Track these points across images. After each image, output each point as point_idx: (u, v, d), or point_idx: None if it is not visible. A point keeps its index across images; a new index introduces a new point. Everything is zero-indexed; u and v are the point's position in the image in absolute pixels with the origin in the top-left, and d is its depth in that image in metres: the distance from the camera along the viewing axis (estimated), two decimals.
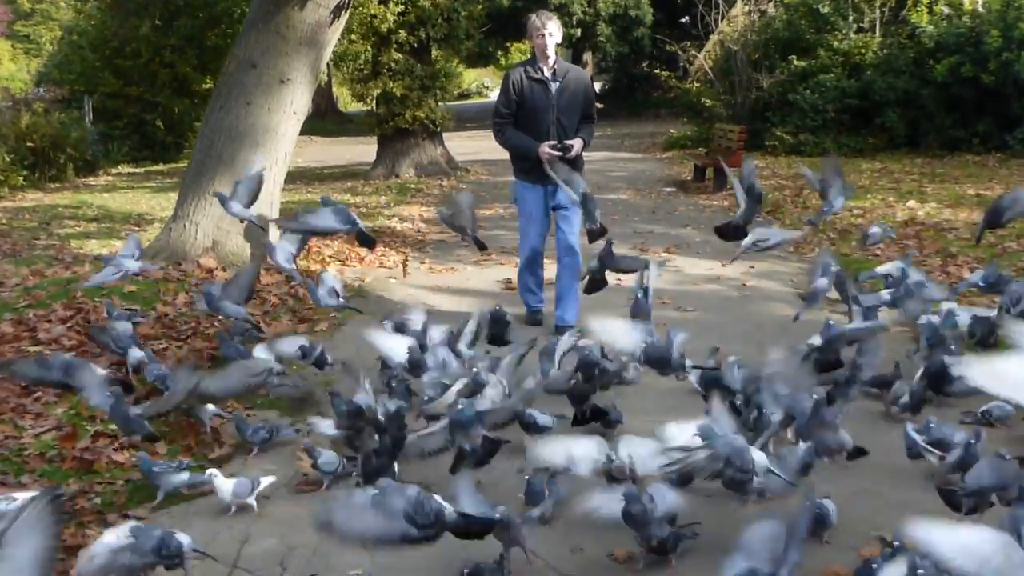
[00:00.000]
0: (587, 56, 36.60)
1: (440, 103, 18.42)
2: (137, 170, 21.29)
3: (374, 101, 17.63)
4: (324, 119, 35.77)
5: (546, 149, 6.29)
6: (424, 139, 18.19)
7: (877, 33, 19.47)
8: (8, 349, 5.92)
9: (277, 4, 8.03)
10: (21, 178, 16.79)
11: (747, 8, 23.33)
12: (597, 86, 34.54)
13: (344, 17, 8.45)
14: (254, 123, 8.08)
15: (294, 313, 7.25)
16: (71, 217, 13.04)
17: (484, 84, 58.77)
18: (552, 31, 6.51)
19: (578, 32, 31.39)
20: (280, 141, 8.24)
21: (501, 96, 6.69)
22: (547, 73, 6.53)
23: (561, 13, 30.13)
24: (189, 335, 6.46)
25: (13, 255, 9.83)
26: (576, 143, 6.43)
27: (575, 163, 6.35)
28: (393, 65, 17.13)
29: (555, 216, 6.76)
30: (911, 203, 11.48)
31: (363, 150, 22.23)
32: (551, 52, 6.51)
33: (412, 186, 16.37)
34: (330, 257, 9.24)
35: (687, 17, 26.35)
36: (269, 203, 8.27)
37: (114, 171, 20.91)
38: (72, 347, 6.00)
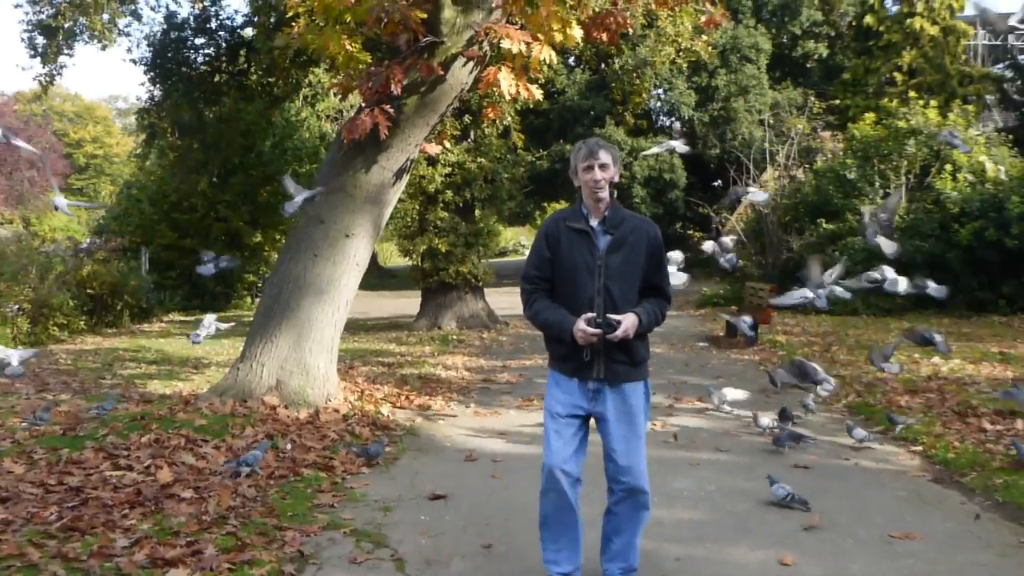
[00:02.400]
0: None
1: (482, 259, 19.22)
2: (188, 318, 22.09)
3: (419, 256, 18.45)
4: (366, 273, 36.77)
5: (581, 325, 4.43)
6: (466, 293, 18.93)
7: (903, 198, 20.22)
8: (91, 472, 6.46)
9: (346, 166, 8.85)
10: (81, 323, 17.60)
11: (777, 173, 24.30)
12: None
13: (405, 179, 9.27)
14: (320, 273, 8.78)
15: (351, 448, 7.73)
16: (131, 360, 13.72)
17: (520, 242, 60.18)
18: (606, 162, 4.59)
19: (615, 193, 32.45)
20: (343, 291, 8.94)
21: (532, 255, 4.78)
22: (594, 222, 4.61)
23: None
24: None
25: (83, 392, 10.43)
26: (627, 320, 4.45)
27: (627, 348, 4.55)
28: (439, 223, 18.08)
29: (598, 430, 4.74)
30: (935, 359, 11.92)
31: (405, 303, 23.05)
32: (603, 192, 4.59)
33: (454, 337, 17.00)
34: (382, 399, 9.76)
35: (719, 181, 27.33)
36: (330, 348, 8.92)
37: (166, 318, 21.76)
38: (146, 467, 6.55)
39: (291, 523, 5.74)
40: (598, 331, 4.44)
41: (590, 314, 4.49)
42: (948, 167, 19.59)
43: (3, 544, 5.05)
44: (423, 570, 5.00)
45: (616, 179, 4.72)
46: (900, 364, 11.26)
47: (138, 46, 23.84)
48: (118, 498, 5.92)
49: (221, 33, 19.72)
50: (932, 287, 7.98)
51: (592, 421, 4.73)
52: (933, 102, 22.14)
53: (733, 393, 9.29)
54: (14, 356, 7.27)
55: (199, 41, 19.91)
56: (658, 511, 6.06)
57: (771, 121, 28.44)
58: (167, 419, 7.83)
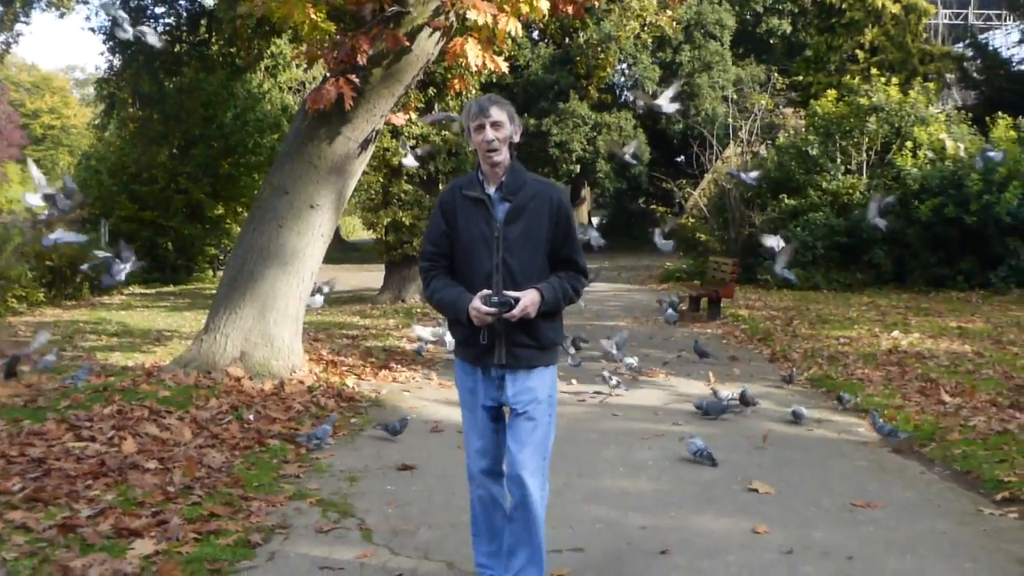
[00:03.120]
0: (585, 191, 37.77)
1: None
2: (148, 291, 21.92)
3: (383, 229, 18.39)
4: (329, 246, 36.60)
5: (476, 303, 3.90)
6: None
7: (864, 175, 20.40)
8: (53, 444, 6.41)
9: (311, 137, 8.78)
10: (40, 295, 17.37)
11: (740, 149, 24.44)
12: (595, 220, 35.57)
13: (370, 149, 9.21)
14: (284, 244, 8.72)
15: (317, 419, 7.72)
16: (92, 332, 13.58)
17: None
18: (499, 119, 4.03)
19: (577, 168, 32.53)
20: (307, 262, 8.89)
21: (428, 229, 4.29)
22: (491, 189, 4.07)
23: (562, 149, 31.41)
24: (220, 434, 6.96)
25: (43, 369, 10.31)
26: (526, 296, 3.92)
27: (532, 329, 4.02)
28: (403, 196, 18.02)
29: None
30: (895, 333, 12.08)
31: (368, 276, 22.99)
32: (499, 156, 4.03)
33: (418, 310, 16.97)
34: (346, 370, 9.74)
35: (683, 156, 27.45)
36: (295, 318, 8.88)
37: (127, 291, 21.53)
38: (110, 439, 6.50)
39: (257, 493, 5.72)
40: (493, 310, 3.90)
41: (485, 291, 3.95)
42: (909, 144, 19.78)
43: None
44: (390, 539, 5.01)
45: (516, 139, 4.12)
46: (849, 337, 11.48)
47: (96, 14, 23.59)
48: (81, 469, 5.87)
49: (182, 2, 19.51)
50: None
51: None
52: (894, 80, 22.30)
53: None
54: None
55: (159, 10, 19.74)
56: (622, 481, 6.14)
57: (734, 97, 28.57)
58: (130, 391, 7.77)
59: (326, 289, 10.08)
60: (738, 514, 5.42)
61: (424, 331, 11.03)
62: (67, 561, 4.43)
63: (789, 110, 29.19)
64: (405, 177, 18.00)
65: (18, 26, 17.44)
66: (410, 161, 12.30)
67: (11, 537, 4.73)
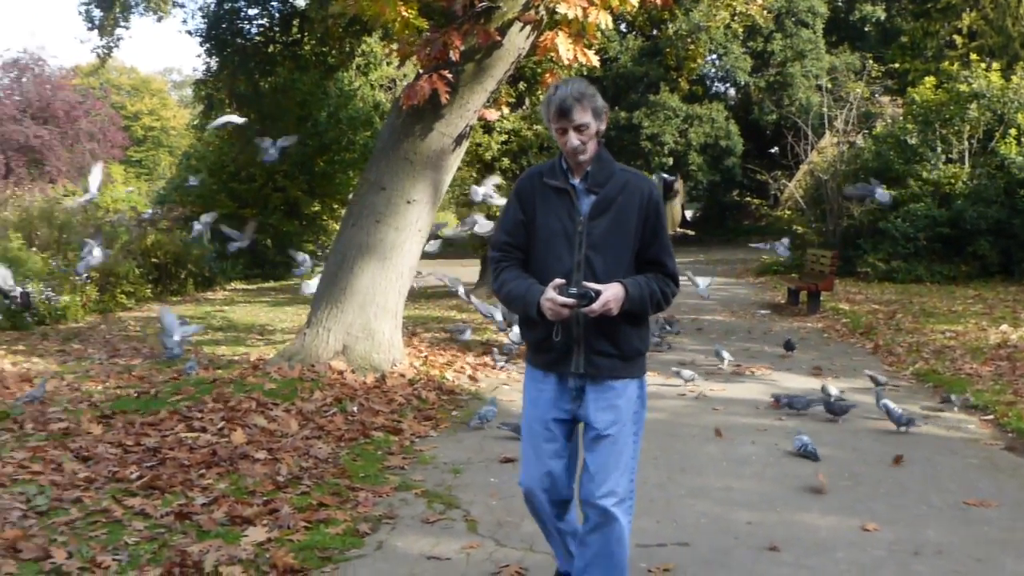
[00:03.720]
0: (679, 184, 37.48)
1: None
2: (249, 287, 22.37)
3: None
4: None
5: (550, 294, 3.52)
6: None
7: (966, 164, 19.87)
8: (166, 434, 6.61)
9: (406, 133, 8.88)
10: (147, 291, 17.89)
11: (836, 140, 23.99)
12: (688, 214, 35.31)
13: (464, 145, 9.29)
14: (382, 239, 8.84)
15: (419, 411, 7.82)
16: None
17: None
18: (584, 122, 3.62)
19: (670, 160, 32.27)
20: (405, 257, 8.99)
21: (503, 217, 3.94)
22: (575, 179, 3.73)
23: (653, 143, 31.20)
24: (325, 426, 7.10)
25: (153, 358, 10.63)
26: (610, 289, 3.54)
27: (614, 335, 3.67)
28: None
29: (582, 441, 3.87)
30: (1004, 327, 11.76)
31: (463, 271, 23.09)
32: (585, 156, 3.68)
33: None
34: (445, 364, 9.83)
35: (777, 148, 27.06)
36: (394, 314, 9.01)
37: (229, 287, 22.02)
38: (220, 429, 6.68)
39: (363, 484, 5.83)
40: (570, 301, 3.51)
41: (560, 280, 3.56)
42: (1012, 132, 19.21)
43: (87, 500, 5.20)
44: (495, 531, 5.06)
45: (603, 131, 3.73)
46: (956, 331, 11.20)
47: (193, 17, 24.29)
48: (194, 458, 6.04)
49: (274, 3, 19.87)
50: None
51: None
52: (995, 65, 21.67)
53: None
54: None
55: (253, 12, 20.08)
56: (726, 476, 6.10)
57: (829, 86, 28.03)
58: (237, 383, 7.96)
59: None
60: (846, 511, 5.35)
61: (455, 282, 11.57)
62: (185, 546, 4.57)
63: (886, 98, 28.51)
64: (498, 172, 18.07)
65: (118, 30, 17.86)
66: (483, 226, 12.28)
67: (131, 523, 4.91)
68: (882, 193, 12.80)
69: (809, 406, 7.82)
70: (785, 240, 11.62)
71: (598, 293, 3.51)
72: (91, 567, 4.31)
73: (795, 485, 5.86)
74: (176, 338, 9.39)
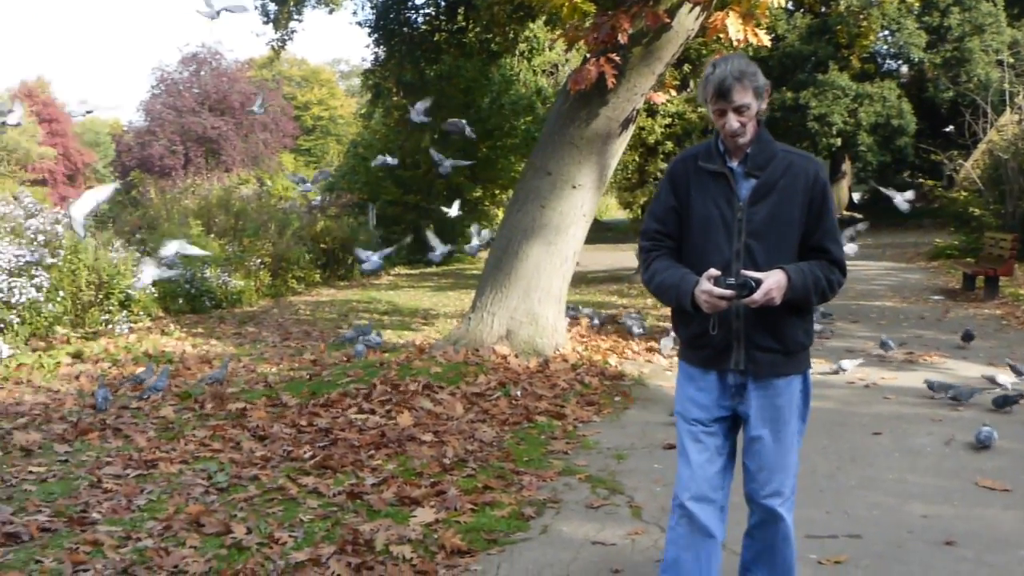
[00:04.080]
0: (846, 166, 36.32)
1: None
2: (413, 272, 22.85)
3: (639, 209, 18.38)
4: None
5: (705, 285, 3.26)
6: None
7: None
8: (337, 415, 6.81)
9: (572, 117, 8.87)
10: (317, 276, 18.50)
11: (1018, 117, 22.79)
12: (855, 196, 34.16)
13: (631, 129, 9.22)
14: (547, 224, 8.87)
15: (581, 396, 7.82)
16: (365, 311, 14.35)
17: None
18: (745, 103, 3.32)
19: (838, 141, 31.27)
20: (570, 241, 9.01)
21: (654, 204, 3.64)
22: (733, 162, 3.43)
23: (821, 123, 30.30)
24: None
25: (322, 340, 10.96)
26: (771, 277, 3.24)
27: (776, 328, 3.40)
28: (659, 175, 17.93)
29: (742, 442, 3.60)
30: None
31: (623, 256, 23.02)
32: (744, 138, 3.38)
33: None
34: (608, 349, 9.80)
35: (952, 127, 25.88)
36: (558, 299, 9.03)
37: (393, 272, 22.55)
38: (388, 412, 6.84)
39: (528, 468, 5.88)
40: (728, 292, 3.23)
41: (712, 270, 3.27)
42: None
43: (264, 478, 5.41)
44: (660, 518, 5.01)
45: (763, 111, 3.44)
46: None
47: (362, 8, 24.69)
48: (364, 440, 6.21)
49: None
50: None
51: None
52: None
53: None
54: None
55: (419, 1, 20.39)
56: (899, 467, 5.88)
57: (1010, 61, 26.62)
58: (404, 366, 8.13)
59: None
60: None
61: None
62: (356, 525, 4.70)
63: None
64: (661, 156, 17.91)
65: (292, 23, 18.43)
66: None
67: (306, 500, 5.08)
68: (901, 201, 12.01)
69: (972, 395, 7.46)
70: (909, 193, 10.99)
71: (758, 282, 3.23)
72: (269, 542, 4.48)
73: (974, 478, 5.60)
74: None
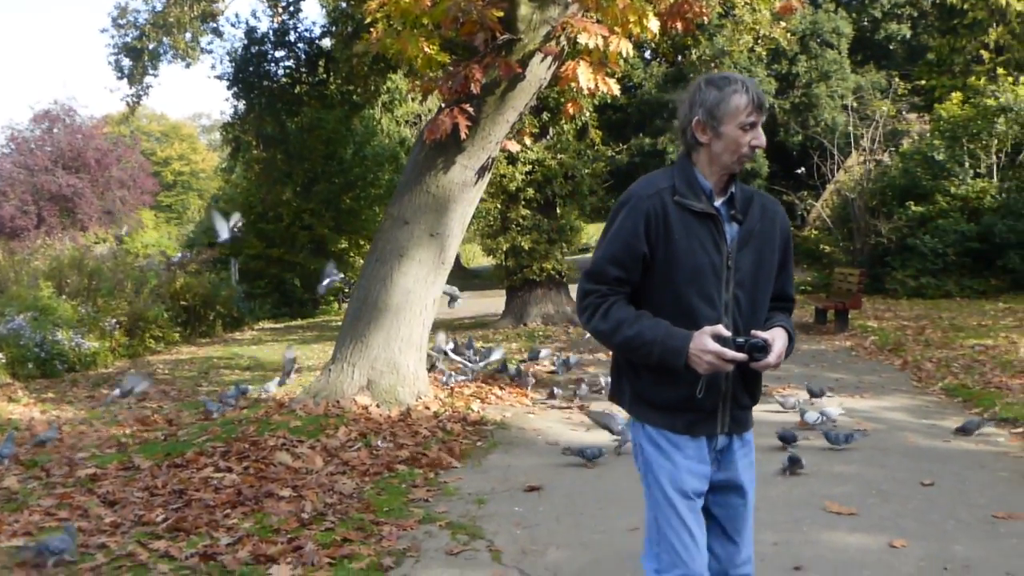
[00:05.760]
0: None
1: (565, 256, 19.24)
2: (277, 325, 22.51)
3: (503, 254, 18.53)
4: (450, 274, 37.09)
5: (711, 345, 2.91)
6: (550, 290, 18.97)
7: (995, 178, 19.72)
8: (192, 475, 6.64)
9: (428, 167, 8.93)
10: (176, 334, 18.04)
11: (862, 158, 23.88)
12: None
13: (487, 177, 9.32)
14: (406, 272, 8.87)
15: (443, 443, 7.80)
16: (226, 367, 14.05)
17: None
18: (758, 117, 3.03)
19: None
20: (430, 289, 9.03)
21: (612, 244, 3.09)
22: (718, 201, 3.08)
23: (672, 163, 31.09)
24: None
25: (180, 399, 10.69)
26: (779, 339, 3.02)
27: (755, 384, 3.24)
28: (521, 221, 18.13)
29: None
30: None
31: (489, 303, 23.14)
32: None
33: (540, 333, 17.03)
34: (471, 396, 9.81)
35: (803, 168, 26.95)
36: (419, 347, 9.03)
37: (257, 326, 22.17)
38: (245, 469, 6.70)
39: (388, 518, 5.81)
40: (740, 356, 2.93)
41: (720, 328, 2.95)
42: None
43: (113, 545, 5.22)
44: (520, 560, 5.03)
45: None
46: (985, 345, 11.07)
47: (221, 62, 24.56)
48: (219, 499, 6.06)
49: (300, 45, 20.09)
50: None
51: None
52: (1023, 78, 21.52)
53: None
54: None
55: (279, 54, 20.31)
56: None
57: (854, 105, 27.94)
58: (263, 422, 7.99)
59: (457, 295, 11.32)
60: (873, 528, 5.29)
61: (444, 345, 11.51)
62: None
63: (913, 115, 28.36)
64: (523, 203, 18.12)
65: (147, 78, 18.10)
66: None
67: (156, 566, 4.92)
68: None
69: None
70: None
71: (766, 343, 2.96)
72: None
73: (821, 505, 5.79)
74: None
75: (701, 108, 3.02)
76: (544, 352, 12.42)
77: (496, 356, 10.94)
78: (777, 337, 3.00)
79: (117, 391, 9.92)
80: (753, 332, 2.99)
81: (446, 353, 11.07)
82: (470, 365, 10.65)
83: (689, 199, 3.02)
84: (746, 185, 3.17)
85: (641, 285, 3.09)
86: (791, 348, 3.10)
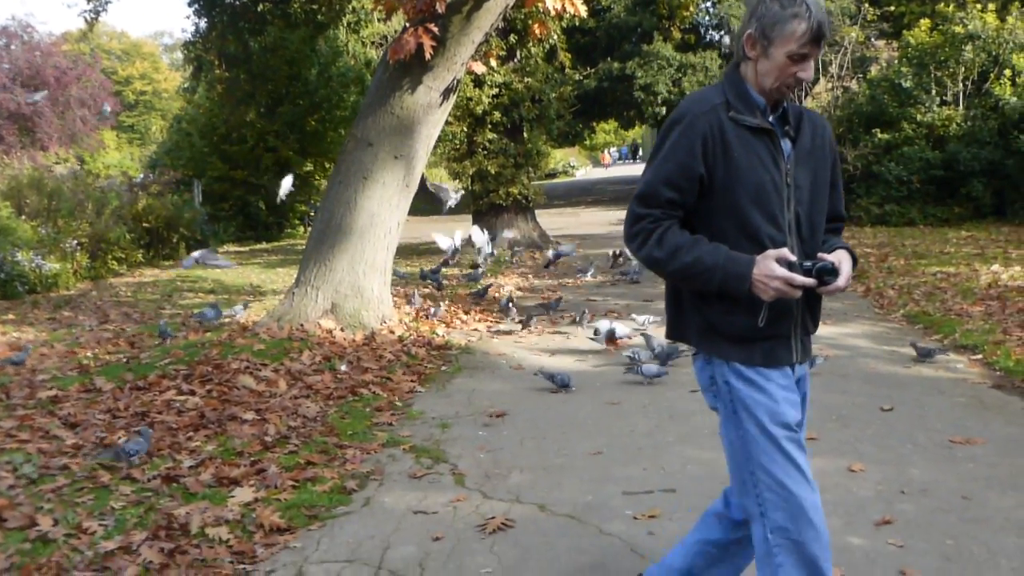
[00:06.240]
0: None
1: (532, 180, 19.14)
2: (242, 248, 22.31)
3: (469, 179, 18.41)
4: (416, 198, 36.84)
5: (778, 270, 2.74)
6: (517, 214, 18.90)
7: (960, 106, 19.73)
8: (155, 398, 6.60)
9: (393, 88, 8.80)
10: (139, 256, 17.84)
11: (830, 85, 23.81)
12: None
13: (452, 99, 9.20)
14: (370, 196, 8.79)
15: (408, 368, 7.81)
16: (189, 290, 13.93)
17: (570, 164, 59.78)
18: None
19: (663, 110, 32.04)
20: (394, 212, 8.96)
21: (666, 164, 2.88)
22: (769, 115, 2.90)
23: (647, 92, 30.95)
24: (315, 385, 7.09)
25: (143, 322, 10.60)
26: (846, 263, 2.87)
27: (818, 309, 3.09)
28: (488, 145, 17.99)
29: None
30: (995, 267, 11.73)
31: (455, 226, 23.04)
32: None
33: (506, 258, 17.00)
34: (437, 320, 9.80)
35: None
36: (383, 271, 8.98)
37: (221, 249, 21.94)
38: (208, 392, 6.67)
39: (351, 441, 5.84)
40: (810, 281, 2.77)
41: (785, 252, 2.77)
42: (1007, 73, 19.05)
43: (75, 467, 5.19)
44: (482, 483, 5.07)
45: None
46: (947, 273, 11.17)
47: None
48: (182, 422, 6.04)
49: None
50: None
51: None
52: (991, 6, 21.43)
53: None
54: None
55: None
56: (712, 427, 6.08)
57: None
58: (226, 345, 7.94)
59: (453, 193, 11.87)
60: (832, 453, 5.35)
61: (444, 239, 11.95)
62: (171, 509, 4.57)
63: (881, 42, 28.25)
64: (489, 126, 17.95)
65: None
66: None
67: (118, 488, 4.91)
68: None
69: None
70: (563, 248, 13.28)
71: (834, 266, 2.82)
72: (77, 533, 4.31)
73: None
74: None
75: (757, 22, 2.82)
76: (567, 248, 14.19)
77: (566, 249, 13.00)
78: (844, 260, 2.86)
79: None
80: (819, 255, 2.85)
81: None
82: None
83: (744, 115, 2.85)
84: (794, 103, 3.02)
85: (696, 210, 2.90)
86: (854, 270, 2.95)
